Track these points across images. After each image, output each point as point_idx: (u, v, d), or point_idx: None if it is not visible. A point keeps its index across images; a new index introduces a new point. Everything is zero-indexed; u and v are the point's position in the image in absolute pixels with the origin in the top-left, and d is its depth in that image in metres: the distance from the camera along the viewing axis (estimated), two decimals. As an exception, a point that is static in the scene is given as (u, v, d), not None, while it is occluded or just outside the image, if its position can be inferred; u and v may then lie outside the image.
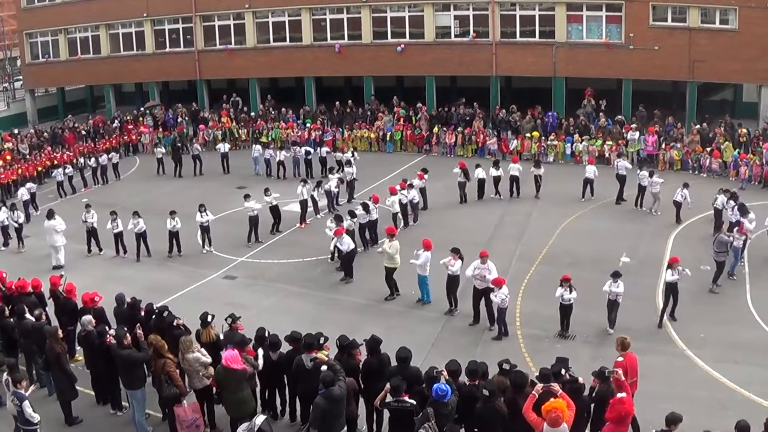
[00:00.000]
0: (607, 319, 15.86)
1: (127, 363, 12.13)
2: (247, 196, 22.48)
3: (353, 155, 28.88)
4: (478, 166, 26.15)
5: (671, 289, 16.19)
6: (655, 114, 31.36)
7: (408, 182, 23.95)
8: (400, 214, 23.13)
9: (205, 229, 21.73)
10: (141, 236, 21.58)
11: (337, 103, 37.63)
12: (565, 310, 15.64)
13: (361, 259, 20.32)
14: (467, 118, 34.53)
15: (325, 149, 30.55)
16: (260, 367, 11.88)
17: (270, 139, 35.68)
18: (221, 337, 12.95)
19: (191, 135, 36.58)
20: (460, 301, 17.04)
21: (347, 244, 18.88)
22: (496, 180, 25.93)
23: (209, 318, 13.15)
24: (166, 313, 13.58)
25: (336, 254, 20.15)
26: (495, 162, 26.53)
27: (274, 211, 23.21)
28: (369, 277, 19.07)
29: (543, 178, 25.93)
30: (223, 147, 32.36)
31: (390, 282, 17.98)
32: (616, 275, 15.74)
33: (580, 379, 10.88)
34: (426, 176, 25.04)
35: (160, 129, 37.46)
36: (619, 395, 10.46)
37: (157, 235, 21.85)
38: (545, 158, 29.82)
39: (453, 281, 16.73)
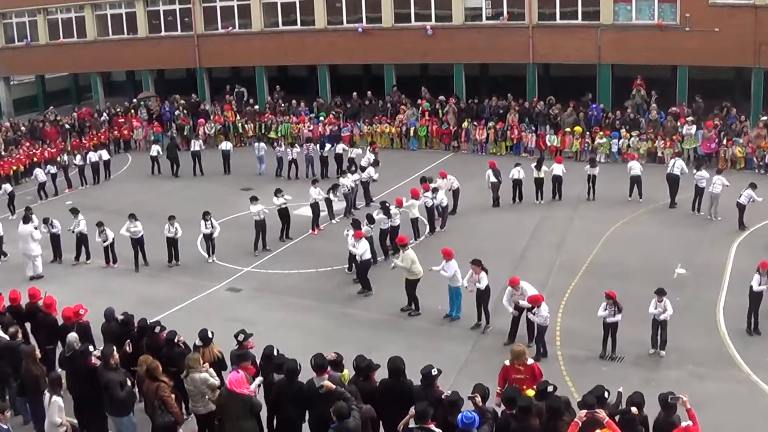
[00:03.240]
0: (653, 340, 15.73)
1: (113, 386, 11.91)
2: (253, 199, 22.62)
3: (375, 154, 28.97)
4: (517, 164, 26.18)
5: (755, 298, 16.04)
6: (719, 106, 31.13)
7: (433, 185, 23.95)
8: (423, 220, 23.15)
9: (208, 237, 21.93)
10: (138, 243, 21.76)
11: (354, 94, 37.81)
12: (610, 329, 15.56)
13: (380, 270, 20.35)
14: (500, 112, 34.50)
15: (341, 146, 30.67)
16: (254, 392, 11.78)
17: (279, 135, 35.95)
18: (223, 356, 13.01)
19: (190, 130, 36.90)
20: (493, 315, 17.05)
21: (363, 249, 18.96)
22: (539, 182, 25.91)
23: (210, 334, 13.12)
24: (158, 329, 13.57)
25: (353, 263, 20.25)
26: (538, 161, 26.50)
27: (284, 215, 23.34)
28: (389, 289, 19.11)
29: (592, 180, 25.97)
30: (226, 144, 32.59)
31: (412, 296, 18.02)
32: (660, 293, 15.60)
33: (633, 410, 10.71)
34: (450, 176, 25.06)
35: (155, 123, 37.84)
36: (683, 424, 10.30)
37: (151, 243, 22.03)
38: (590, 156, 29.64)
39: (483, 294, 16.72)
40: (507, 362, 12.48)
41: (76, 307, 14.32)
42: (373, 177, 26.75)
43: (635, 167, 25.53)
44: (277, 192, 23.13)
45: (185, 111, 38.83)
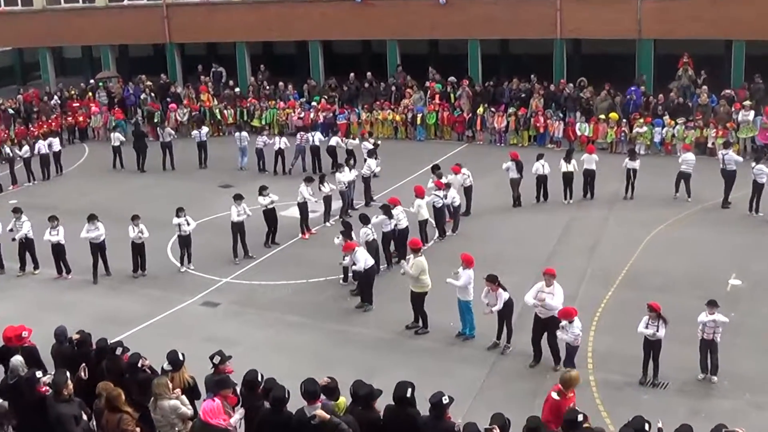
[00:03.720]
0: (702, 364, 15.66)
1: (66, 420, 11.60)
2: (238, 198, 22.61)
3: (375, 144, 28.93)
4: (540, 157, 26.17)
5: None
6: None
7: (446, 180, 23.95)
8: (432, 222, 23.18)
9: (185, 241, 21.92)
10: (99, 248, 21.74)
11: (352, 75, 37.88)
12: (652, 348, 15.50)
13: (382, 280, 20.33)
14: (522, 96, 34.54)
15: (335, 139, 30.66)
16: (236, 426, 11.72)
17: (264, 123, 35.91)
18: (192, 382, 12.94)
19: (160, 117, 36.95)
20: (514, 332, 17.03)
21: (363, 260, 18.92)
22: (567, 178, 25.91)
23: (181, 357, 13.07)
24: (120, 351, 13.48)
25: (351, 274, 20.23)
26: (567, 153, 26.53)
27: (271, 217, 23.35)
28: (393, 303, 19.10)
29: (631, 175, 25.97)
30: (202, 133, 32.64)
31: (419, 311, 17.99)
32: (712, 304, 15.53)
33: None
34: (465, 170, 25.09)
35: (116, 108, 37.86)
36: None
37: (114, 249, 22.04)
38: (629, 147, 29.61)
39: (504, 310, 16.68)
40: (555, 395, 12.13)
41: (18, 328, 13.89)
42: (373, 170, 26.70)
43: (687, 161, 25.42)
44: (263, 190, 23.10)
45: (153, 94, 38.90)
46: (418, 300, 17.94)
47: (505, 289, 16.54)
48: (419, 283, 17.78)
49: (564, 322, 15.33)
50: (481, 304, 16.92)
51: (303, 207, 23.96)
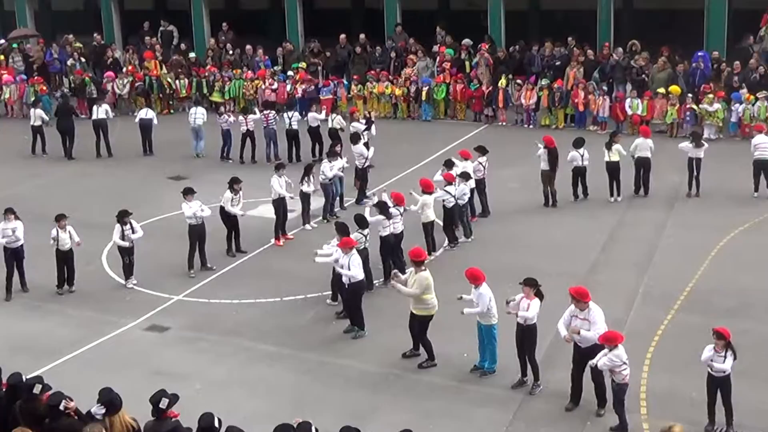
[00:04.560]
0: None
1: None
2: (188, 193, 22.64)
3: (369, 123, 28.93)
4: (578, 144, 26.16)
5: None
6: None
7: (456, 169, 23.97)
8: (439, 223, 23.24)
9: (127, 252, 21.95)
10: (15, 256, 21.60)
11: (342, 37, 37.89)
12: (720, 387, 15.47)
13: (378, 298, 20.36)
14: (557, 64, 34.61)
15: (314, 115, 30.67)
16: None
17: (228, 97, 35.92)
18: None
19: (93, 88, 36.92)
20: (545, 367, 17.02)
21: (357, 267, 18.88)
22: (613, 169, 26.01)
23: (118, 398, 13.01)
24: (38, 389, 13.39)
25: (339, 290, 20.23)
26: (610, 137, 26.59)
27: (229, 217, 23.38)
28: (391, 328, 19.07)
29: (695, 165, 26.05)
30: (147, 110, 32.60)
31: (421, 338, 17.97)
32: None
33: None
34: (483, 159, 25.10)
35: (37, 77, 37.78)
36: None
37: (33, 257, 21.99)
38: (692, 130, 29.63)
39: (528, 334, 16.67)
40: None
41: None
42: (365, 156, 26.65)
43: (763, 145, 25.44)
44: (234, 184, 23.04)
45: (83, 60, 38.89)
46: (420, 325, 17.82)
47: (542, 299, 16.52)
48: (422, 304, 17.66)
49: (604, 350, 15.34)
50: (504, 328, 16.99)
51: (279, 205, 23.98)
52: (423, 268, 17.85)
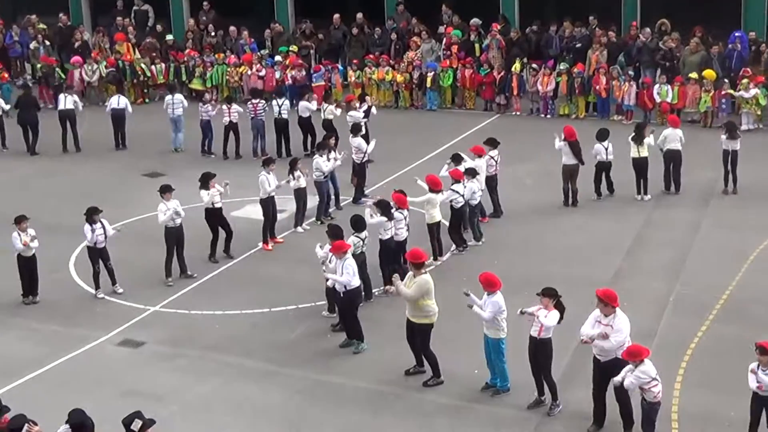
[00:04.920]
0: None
1: None
2: (165, 191, 22.60)
3: (367, 111, 28.86)
4: (602, 136, 26.10)
5: None
6: None
7: (464, 165, 23.92)
8: (446, 225, 23.25)
9: (98, 254, 21.90)
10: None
11: (337, 17, 37.89)
12: (766, 408, 15.46)
13: (377, 307, 20.36)
14: (577, 46, 34.55)
15: (306, 104, 30.69)
16: None
17: (209, 84, 35.89)
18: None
19: (61, 76, 36.90)
20: (564, 385, 16.96)
21: (352, 272, 18.82)
22: (641, 164, 25.99)
23: (89, 422, 13.01)
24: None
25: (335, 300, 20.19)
26: (639, 130, 26.49)
27: (215, 218, 23.39)
28: (391, 341, 19.02)
29: (731, 159, 26.01)
30: (119, 98, 32.54)
31: (425, 350, 17.91)
32: None
33: None
34: (494, 153, 25.06)
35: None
36: None
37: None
38: (727, 120, 29.63)
39: (542, 349, 16.63)
40: None
41: None
42: (363, 150, 26.57)
43: None
44: (207, 179, 22.97)
45: (48, 43, 38.83)
46: (421, 335, 17.76)
47: (562, 312, 16.44)
48: (421, 311, 17.55)
49: (629, 366, 15.28)
50: (515, 340, 16.95)
51: (267, 205, 23.97)
52: (423, 270, 17.80)
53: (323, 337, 19.82)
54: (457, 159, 24.19)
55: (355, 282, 18.97)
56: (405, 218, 21.58)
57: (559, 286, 16.90)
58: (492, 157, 24.94)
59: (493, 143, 25.22)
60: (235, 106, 30.90)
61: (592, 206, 25.89)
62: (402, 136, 31.09)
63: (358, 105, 29.71)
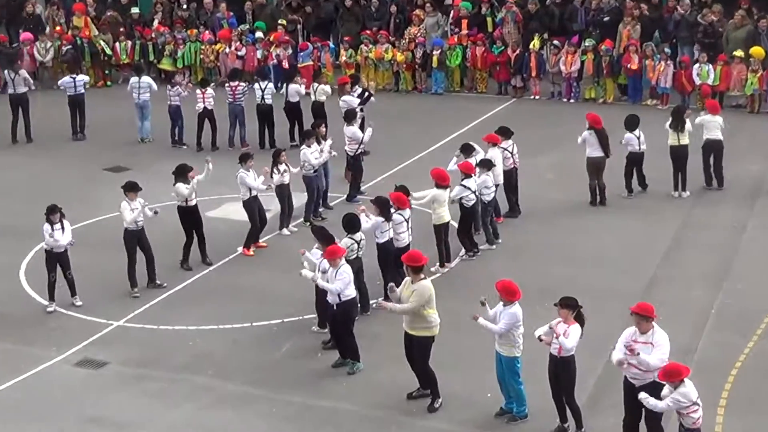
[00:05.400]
0: None
1: None
2: (130, 189, 22.51)
3: (365, 95, 28.86)
4: (633, 124, 26.12)
5: None
6: None
7: (475, 156, 23.99)
8: (454, 226, 23.31)
9: (57, 261, 21.83)
10: None
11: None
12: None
13: (375, 321, 20.39)
14: (604, 20, 34.54)
15: (296, 87, 30.73)
16: None
17: (181, 65, 35.89)
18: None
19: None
20: (589, 411, 16.95)
21: (348, 281, 18.78)
22: (679, 155, 26.02)
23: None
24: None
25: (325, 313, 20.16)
26: (677, 114, 26.49)
27: (189, 217, 23.41)
28: (390, 360, 18.98)
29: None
30: (76, 81, 32.46)
31: (423, 366, 17.85)
32: None
33: None
34: (508, 144, 25.06)
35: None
36: None
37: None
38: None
39: (564, 368, 16.62)
40: None
41: None
42: (358, 139, 26.60)
43: None
44: (181, 173, 23.01)
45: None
46: (420, 350, 17.71)
47: (583, 324, 16.43)
48: (422, 321, 17.43)
49: (667, 388, 15.29)
50: (532, 356, 16.98)
51: (252, 208, 24.00)
52: (422, 276, 17.74)
53: (313, 356, 19.80)
54: (467, 150, 24.22)
55: (350, 292, 18.94)
56: (406, 220, 21.51)
57: (585, 296, 16.93)
58: (506, 150, 24.91)
59: (505, 133, 25.15)
60: (210, 90, 30.94)
61: (623, 204, 25.97)
62: (403, 125, 31.12)
63: (351, 88, 29.55)
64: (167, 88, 31.46)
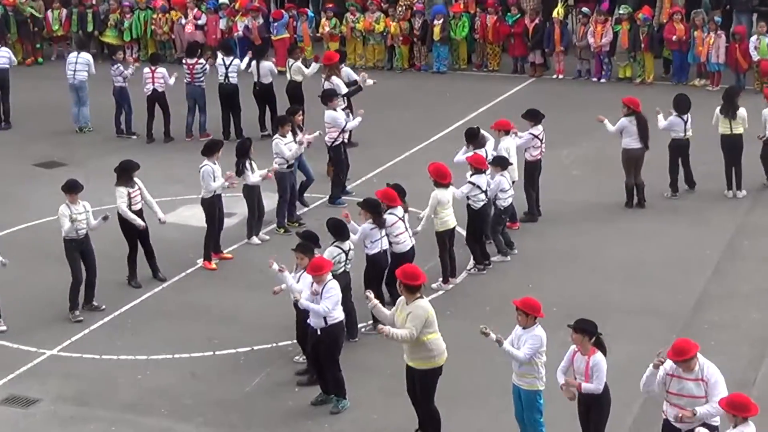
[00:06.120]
0: None
1: None
2: (71, 190, 22.45)
3: (356, 87, 28.97)
4: (681, 107, 26.15)
5: None
6: None
7: (487, 146, 24.04)
8: (462, 233, 23.41)
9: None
10: None
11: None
12: None
13: (364, 349, 20.44)
14: (640, -15, 34.77)
15: (270, 66, 30.77)
16: None
17: (128, 38, 35.98)
18: None
19: None
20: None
21: (335, 302, 18.74)
22: (732, 145, 26.10)
23: None
24: None
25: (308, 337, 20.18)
26: (726, 98, 26.57)
27: (127, 225, 23.28)
28: (384, 395, 19.07)
29: None
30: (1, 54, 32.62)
31: (427, 405, 17.92)
32: None
33: None
34: (538, 130, 25.13)
35: None
36: None
37: None
38: None
39: (596, 406, 16.65)
40: None
41: None
42: (341, 125, 26.56)
43: None
44: (124, 171, 23.07)
45: None
46: (423, 385, 17.74)
47: (605, 352, 16.45)
48: (423, 350, 17.31)
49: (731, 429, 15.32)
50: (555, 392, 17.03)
51: (213, 208, 24.09)
52: (419, 295, 17.74)
53: (289, 392, 19.76)
54: (472, 136, 24.26)
55: (338, 314, 18.87)
56: (401, 219, 21.47)
57: (621, 318, 17.10)
58: (535, 136, 25.01)
59: (535, 116, 25.22)
60: (162, 69, 31.03)
61: (666, 206, 26.07)
62: (398, 110, 31.17)
63: (337, 69, 29.28)
64: (111, 66, 31.46)
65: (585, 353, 16.02)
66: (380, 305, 17.78)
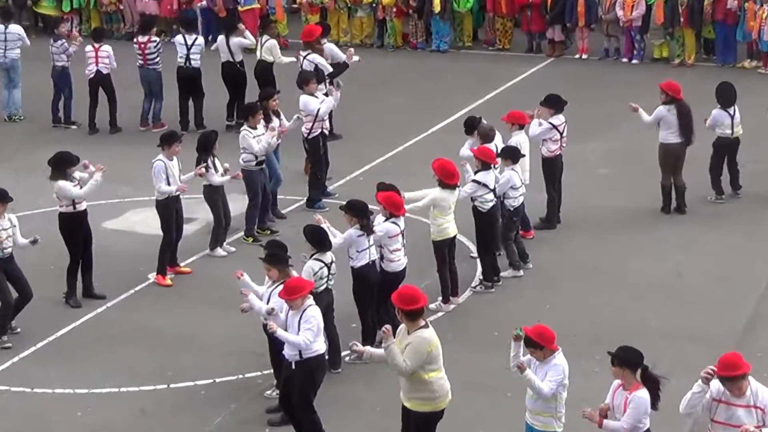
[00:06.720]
0: None
1: None
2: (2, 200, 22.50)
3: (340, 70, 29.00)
4: (726, 98, 26.21)
5: None
6: None
7: (495, 143, 23.93)
8: (466, 244, 23.30)
9: None
10: None
11: None
12: None
13: (347, 382, 20.33)
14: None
15: (239, 41, 30.70)
16: None
17: (69, 9, 36.09)
18: None
19: None
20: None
21: (310, 332, 18.65)
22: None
23: None
24: None
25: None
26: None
27: (75, 228, 23.28)
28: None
29: None
30: None
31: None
32: None
33: None
34: (559, 120, 25.08)
35: None
36: None
37: None
38: None
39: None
40: None
41: None
42: (311, 112, 26.35)
43: None
44: (59, 163, 22.98)
45: None
46: (420, 427, 17.75)
47: (655, 389, 16.33)
48: (423, 390, 17.34)
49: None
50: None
51: (169, 212, 24.00)
52: (423, 323, 17.63)
53: (258, 427, 19.84)
54: (471, 125, 24.32)
55: (318, 346, 18.74)
56: (402, 233, 21.40)
57: (655, 345, 16.95)
58: (555, 127, 24.97)
59: (556, 103, 25.14)
60: (107, 47, 31.08)
61: (709, 212, 26.08)
62: (390, 96, 31.24)
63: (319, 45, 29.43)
64: (50, 43, 31.47)
65: (628, 388, 15.85)
66: (375, 350, 17.51)
